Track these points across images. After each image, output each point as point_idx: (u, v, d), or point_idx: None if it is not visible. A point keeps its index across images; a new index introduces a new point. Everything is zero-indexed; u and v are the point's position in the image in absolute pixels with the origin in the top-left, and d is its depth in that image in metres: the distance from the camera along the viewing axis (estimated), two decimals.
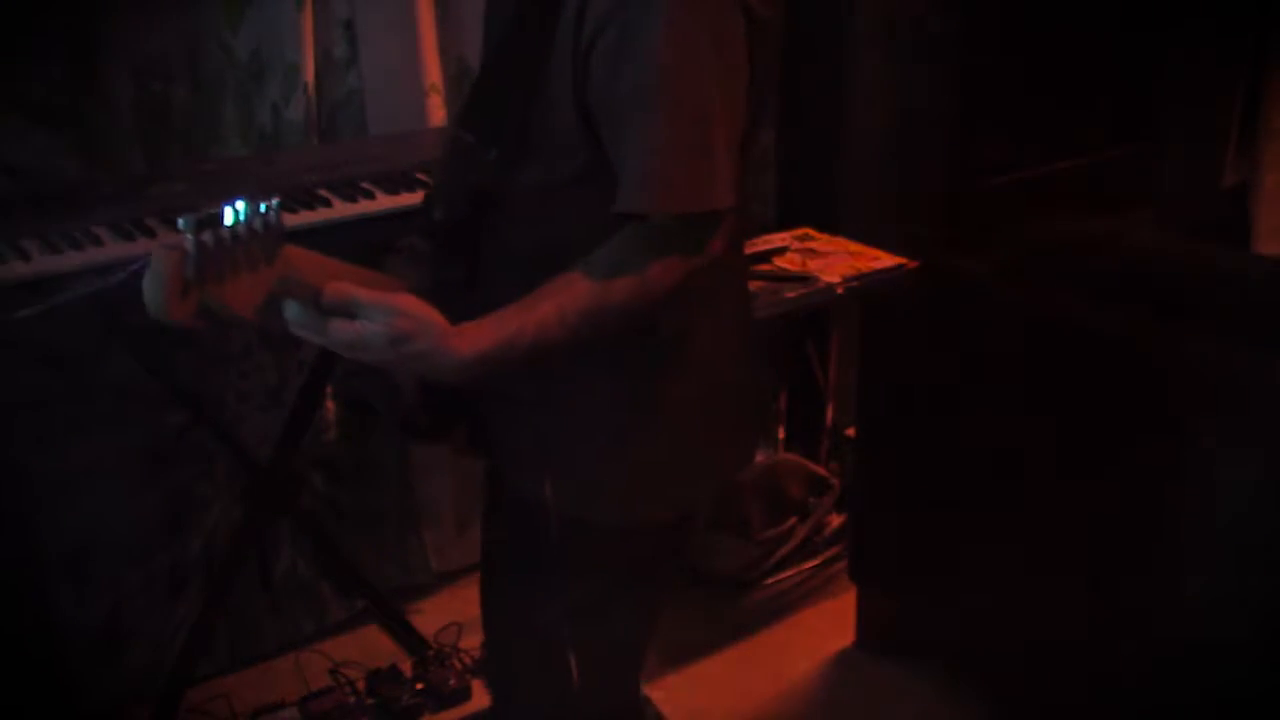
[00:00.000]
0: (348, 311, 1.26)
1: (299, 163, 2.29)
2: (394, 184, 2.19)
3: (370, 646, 2.68)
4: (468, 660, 2.55)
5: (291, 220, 2.08)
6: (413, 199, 2.19)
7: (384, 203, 2.15)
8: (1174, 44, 3.41)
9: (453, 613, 2.72)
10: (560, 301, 1.34)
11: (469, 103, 1.57)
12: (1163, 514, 2.07)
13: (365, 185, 2.18)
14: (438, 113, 2.59)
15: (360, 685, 2.51)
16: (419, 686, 2.48)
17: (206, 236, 1.11)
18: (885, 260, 2.68)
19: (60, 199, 2.07)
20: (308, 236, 2.10)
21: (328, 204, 2.12)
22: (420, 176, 2.22)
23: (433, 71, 2.58)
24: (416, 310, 1.28)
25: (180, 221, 1.12)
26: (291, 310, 1.24)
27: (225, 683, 2.57)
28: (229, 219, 1.14)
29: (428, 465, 2.83)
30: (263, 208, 1.16)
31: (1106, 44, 3.26)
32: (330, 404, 2.65)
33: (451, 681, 2.49)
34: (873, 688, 2.62)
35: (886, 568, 2.67)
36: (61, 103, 2.23)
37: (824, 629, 2.78)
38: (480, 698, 2.49)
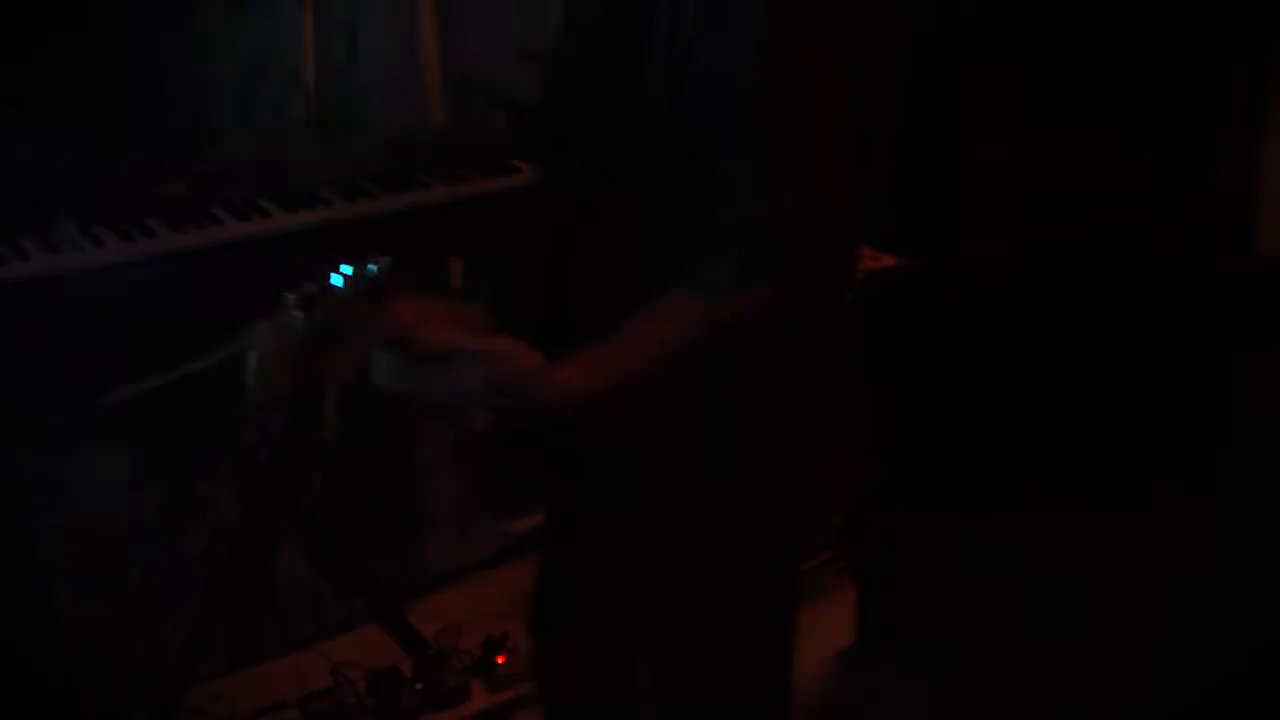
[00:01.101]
0: (443, 359, 1.18)
1: (299, 163, 2.29)
2: (394, 184, 2.19)
3: (370, 646, 2.68)
4: (468, 660, 2.55)
5: (291, 220, 2.08)
6: (413, 199, 2.19)
7: (384, 203, 2.15)
8: (1174, 43, 3.40)
9: (453, 613, 2.72)
10: (663, 328, 1.27)
11: (556, 120, 1.48)
12: (1163, 514, 2.07)
13: (365, 185, 2.18)
14: (438, 113, 2.59)
15: (360, 685, 2.50)
16: (419, 686, 2.48)
17: (314, 311, 1.07)
18: (885, 260, 2.68)
19: (60, 199, 2.07)
20: (308, 236, 2.12)
21: (328, 204, 2.12)
22: (420, 177, 2.22)
23: (433, 71, 2.58)
24: (513, 353, 1.20)
25: (288, 297, 1.07)
26: (380, 364, 1.16)
27: (225, 683, 2.57)
28: (336, 283, 1.08)
29: (428, 465, 2.83)
30: (371, 269, 1.10)
31: (1107, 44, 3.26)
32: (332, 404, 2.65)
33: (451, 681, 2.48)
34: (873, 688, 2.62)
35: (886, 568, 2.66)
36: (61, 103, 2.23)
37: (824, 629, 2.77)
38: (480, 698, 2.49)
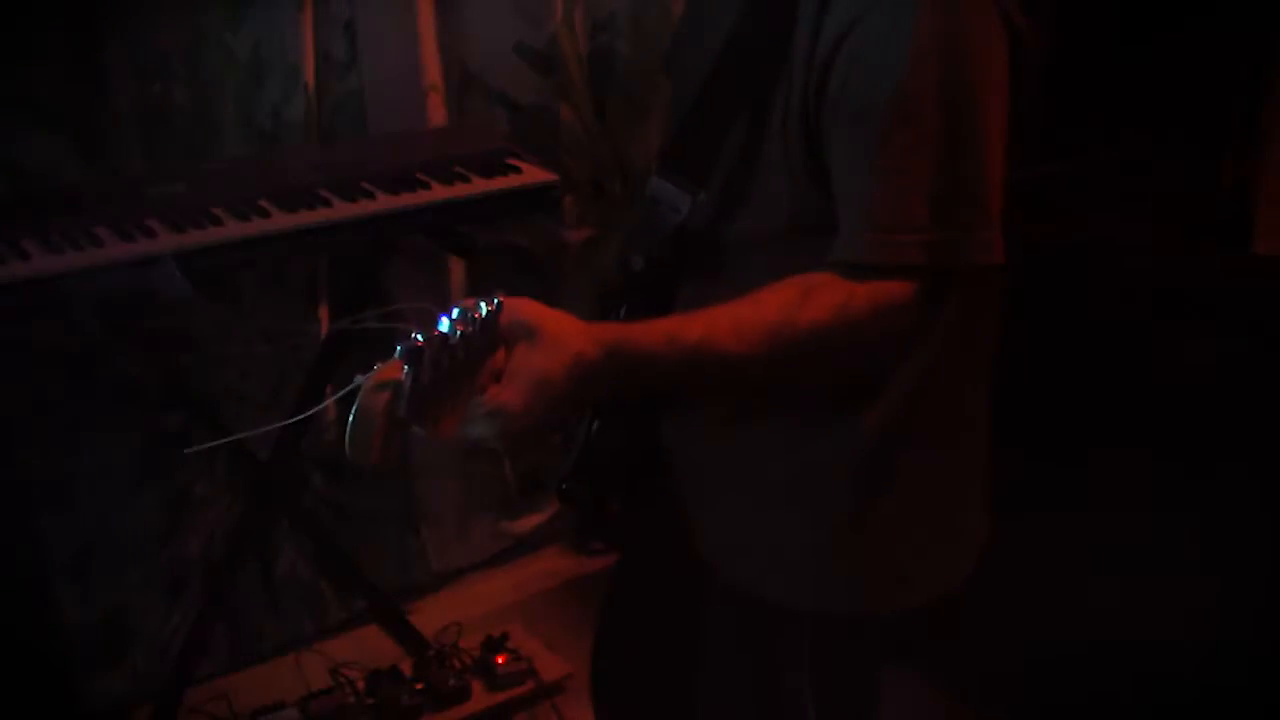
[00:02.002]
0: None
1: (299, 163, 2.29)
2: (394, 184, 2.19)
3: (370, 646, 2.68)
4: (468, 660, 2.55)
5: (291, 220, 2.08)
6: (413, 199, 2.19)
7: (384, 203, 2.15)
8: (1174, 43, 3.40)
9: (453, 613, 2.72)
10: (738, 313, 1.14)
11: (673, 141, 1.37)
12: (1163, 514, 2.07)
13: (365, 185, 2.18)
14: (438, 113, 2.59)
15: (360, 685, 2.50)
16: (419, 686, 2.48)
17: (423, 372, 0.94)
18: None
19: (60, 199, 2.07)
20: (308, 236, 2.12)
21: (328, 204, 2.12)
22: (420, 176, 2.22)
23: (433, 71, 2.57)
24: (513, 382, 1.04)
25: (398, 350, 0.94)
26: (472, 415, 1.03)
27: (225, 683, 2.57)
28: (446, 334, 0.95)
29: (428, 465, 2.83)
30: (483, 308, 0.98)
31: (1107, 44, 3.26)
32: (330, 404, 2.65)
33: (451, 681, 2.48)
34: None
35: None
36: (61, 103, 2.23)
37: None
38: (480, 698, 2.49)
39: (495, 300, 0.99)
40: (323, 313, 2.56)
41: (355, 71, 2.52)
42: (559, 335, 1.05)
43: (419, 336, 0.93)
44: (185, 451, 1.34)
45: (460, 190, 2.23)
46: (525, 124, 2.72)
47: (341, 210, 2.12)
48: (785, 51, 1.20)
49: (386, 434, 0.96)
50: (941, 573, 1.45)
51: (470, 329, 0.96)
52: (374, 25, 2.51)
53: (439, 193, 2.21)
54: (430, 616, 2.74)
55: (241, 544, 2.45)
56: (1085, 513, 2.18)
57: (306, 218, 2.09)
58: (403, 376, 0.94)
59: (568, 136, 2.78)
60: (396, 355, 0.94)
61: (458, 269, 2.69)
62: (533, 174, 2.31)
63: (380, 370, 0.96)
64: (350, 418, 0.96)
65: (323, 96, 2.49)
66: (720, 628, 1.51)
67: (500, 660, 2.51)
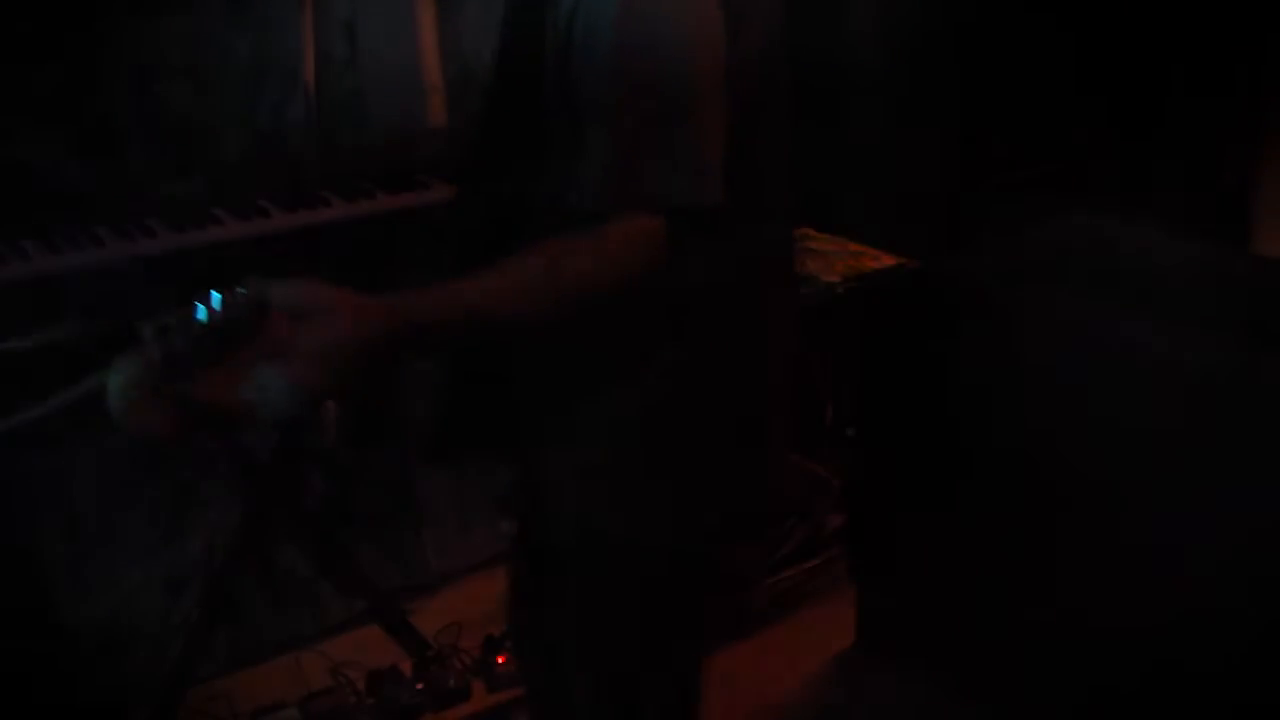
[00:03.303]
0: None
1: (299, 163, 2.29)
2: (394, 184, 2.19)
3: (370, 646, 2.68)
4: (468, 660, 2.55)
5: (291, 220, 2.08)
6: (413, 199, 2.19)
7: (384, 203, 2.16)
8: (1175, 44, 3.41)
9: (453, 613, 2.72)
10: (510, 266, 1.25)
11: (484, 114, 1.52)
12: (1164, 514, 2.07)
13: (365, 185, 2.18)
14: (438, 113, 2.59)
15: (360, 685, 2.51)
16: (419, 686, 2.48)
17: (175, 340, 1.04)
18: (885, 260, 2.68)
19: (60, 199, 2.08)
20: (308, 236, 2.12)
21: (328, 204, 2.12)
22: (420, 177, 2.22)
23: (433, 71, 2.58)
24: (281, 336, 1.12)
25: (145, 330, 1.04)
26: (260, 383, 1.11)
27: (225, 683, 2.57)
28: (200, 315, 1.05)
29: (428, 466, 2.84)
30: (241, 292, 1.08)
31: (1107, 45, 3.26)
32: (330, 404, 2.65)
33: (451, 681, 2.48)
34: (873, 688, 2.62)
35: (886, 568, 2.67)
36: (61, 103, 2.23)
37: (824, 629, 2.77)
38: (480, 698, 2.49)
39: (254, 281, 1.09)
40: None
41: (355, 71, 2.53)
42: (339, 309, 1.15)
43: (167, 316, 1.05)
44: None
45: None
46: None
47: (341, 210, 2.12)
48: (543, 26, 1.32)
49: (149, 401, 1.04)
50: (736, 507, 1.55)
51: (227, 309, 1.06)
52: (374, 25, 2.51)
53: (439, 193, 2.21)
54: (430, 616, 2.74)
55: (241, 544, 2.45)
56: (1085, 513, 2.18)
57: (306, 218, 2.09)
58: (151, 350, 1.04)
59: None
60: (145, 333, 1.04)
61: None
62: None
63: (135, 348, 1.06)
64: (108, 385, 1.05)
65: (323, 96, 2.50)
66: (550, 567, 1.61)
67: (500, 660, 2.50)
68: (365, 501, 2.79)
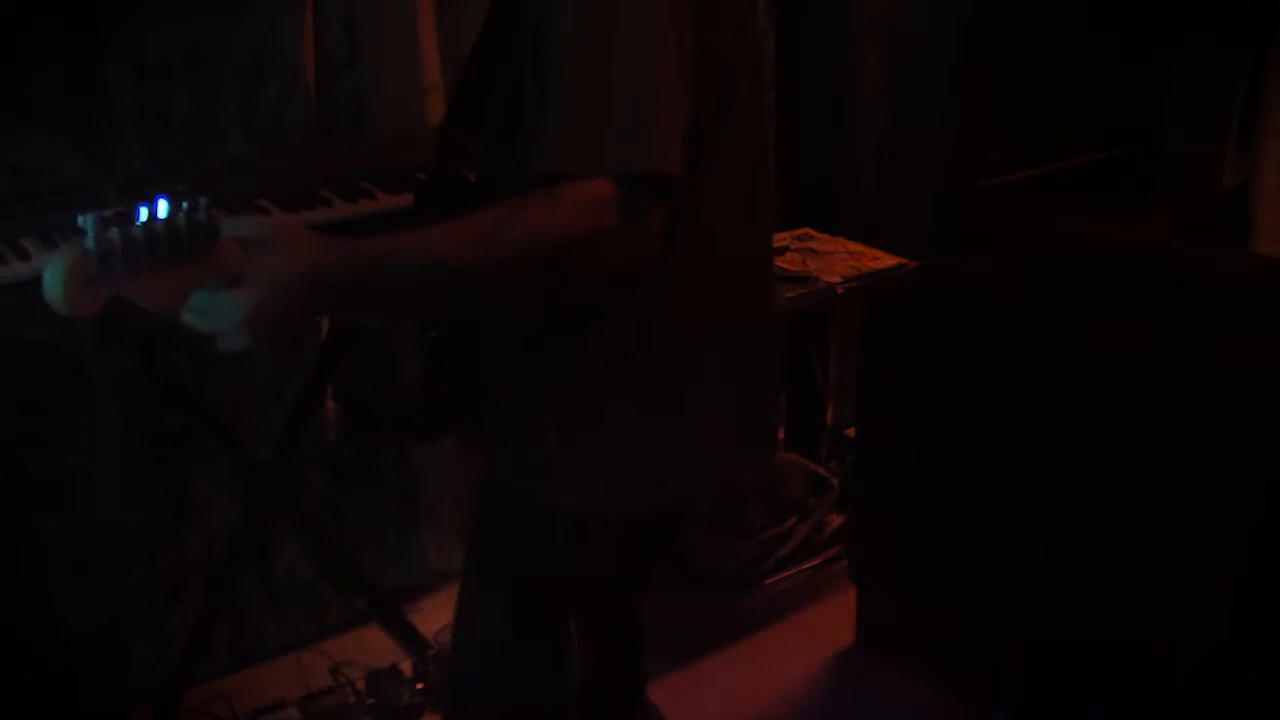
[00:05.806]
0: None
1: (299, 162, 2.29)
2: (394, 184, 2.19)
3: (370, 646, 2.68)
4: None
5: (291, 220, 2.08)
6: (413, 199, 2.19)
7: (384, 203, 2.15)
8: (1175, 44, 3.41)
9: (453, 613, 2.72)
10: (463, 221, 1.26)
11: (455, 94, 1.54)
12: (1164, 515, 2.07)
13: (365, 185, 2.18)
14: (438, 113, 2.59)
15: (360, 685, 2.51)
16: (419, 686, 2.48)
17: (112, 234, 1.07)
18: (885, 260, 2.68)
19: (60, 199, 2.07)
20: None
21: (328, 204, 2.12)
22: (420, 176, 2.22)
23: (433, 71, 2.58)
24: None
25: (81, 219, 1.08)
26: (196, 301, 1.15)
27: (225, 683, 2.57)
28: (141, 217, 1.09)
29: (428, 465, 2.83)
30: (186, 206, 1.10)
31: (1107, 45, 3.27)
32: (330, 404, 2.65)
33: None
34: (873, 688, 2.62)
35: (886, 568, 2.67)
36: (61, 103, 2.23)
37: (824, 629, 2.77)
38: None
39: (203, 200, 1.10)
40: None
41: (355, 71, 2.53)
42: (293, 242, 1.17)
43: (106, 212, 1.07)
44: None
45: None
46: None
47: (341, 210, 2.12)
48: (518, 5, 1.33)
49: (81, 288, 1.07)
50: (683, 479, 1.53)
51: (173, 218, 1.08)
52: (374, 25, 2.51)
53: None
54: (430, 616, 2.74)
55: (241, 544, 2.45)
56: (1085, 513, 2.18)
57: (307, 218, 2.09)
58: (88, 241, 1.06)
59: None
60: (81, 224, 1.07)
61: None
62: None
63: (76, 239, 1.09)
64: (46, 269, 1.07)
65: (323, 96, 2.50)
66: (493, 529, 1.64)
67: None
68: (365, 501, 2.79)
